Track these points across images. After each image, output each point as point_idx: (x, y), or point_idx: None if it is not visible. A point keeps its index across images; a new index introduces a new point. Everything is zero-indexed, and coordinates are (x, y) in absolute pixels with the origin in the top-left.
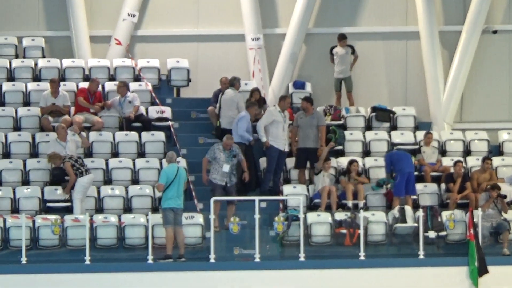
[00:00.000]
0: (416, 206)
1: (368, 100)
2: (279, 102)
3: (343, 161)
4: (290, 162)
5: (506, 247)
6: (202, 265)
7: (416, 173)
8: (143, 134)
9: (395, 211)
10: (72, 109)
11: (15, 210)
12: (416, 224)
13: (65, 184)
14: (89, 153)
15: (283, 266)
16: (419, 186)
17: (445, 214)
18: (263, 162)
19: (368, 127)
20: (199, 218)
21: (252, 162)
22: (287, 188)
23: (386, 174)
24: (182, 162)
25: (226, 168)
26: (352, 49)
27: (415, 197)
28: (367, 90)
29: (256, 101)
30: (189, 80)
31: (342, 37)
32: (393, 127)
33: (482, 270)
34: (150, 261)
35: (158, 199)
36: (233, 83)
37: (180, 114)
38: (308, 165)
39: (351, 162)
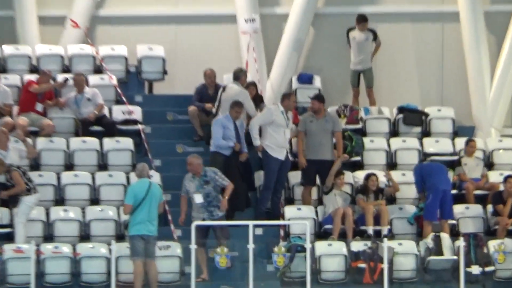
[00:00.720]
0: (455, 233)
1: (394, 98)
2: (282, 100)
3: (361, 176)
4: (294, 177)
5: None
6: None
7: (454, 191)
8: (106, 140)
9: (429, 240)
10: (15, 109)
11: None
12: (455, 257)
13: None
14: (36, 165)
15: None
16: (458, 208)
17: (492, 244)
18: (259, 177)
19: (394, 132)
20: (177, 249)
21: (237, 174)
22: (290, 210)
23: (419, 194)
24: (156, 177)
25: (198, 199)
26: (373, 34)
27: (453, 221)
28: (393, 85)
29: (251, 99)
30: (164, 73)
31: (361, 19)
32: (426, 133)
33: None
34: None
35: (124, 224)
36: (238, 76)
37: (153, 116)
38: (318, 181)
39: (368, 176)
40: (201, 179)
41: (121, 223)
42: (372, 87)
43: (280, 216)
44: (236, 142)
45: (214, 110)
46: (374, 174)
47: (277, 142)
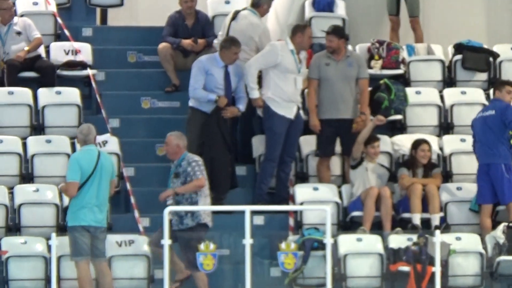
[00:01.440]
0: None
1: (448, 33)
2: (293, 35)
3: (404, 142)
4: (308, 143)
5: None
6: None
7: None
8: (42, 91)
9: (498, 233)
10: None
11: None
12: None
13: None
14: None
15: None
16: None
17: None
18: (260, 143)
19: (450, 81)
20: (143, 245)
21: (219, 141)
22: (302, 191)
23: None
24: (112, 143)
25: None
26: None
27: None
28: (447, 14)
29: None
30: None
31: None
32: (494, 81)
33: None
34: None
35: (64, 211)
36: (258, 2)
37: (108, 57)
38: (339, 150)
39: (418, 144)
40: (173, 169)
41: (63, 209)
42: (418, 16)
43: (289, 198)
44: (221, 95)
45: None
46: (425, 141)
47: (284, 94)
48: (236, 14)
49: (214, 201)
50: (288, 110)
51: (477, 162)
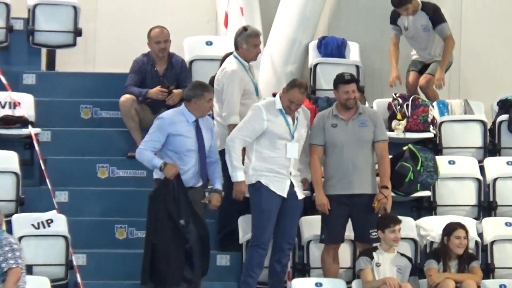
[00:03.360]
0: None
1: (491, 87)
2: (286, 90)
3: (433, 226)
4: (309, 226)
5: None
6: None
7: None
8: None
9: None
10: None
11: None
12: None
13: None
14: None
15: None
16: None
17: None
18: (246, 224)
19: (493, 148)
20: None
21: (188, 211)
22: (302, 286)
23: None
24: (58, 223)
25: None
26: (430, 17)
27: None
28: (490, 66)
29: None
30: (77, 33)
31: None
32: None
33: None
34: None
35: None
36: (235, 43)
37: (56, 112)
38: (351, 235)
39: (452, 229)
40: None
41: None
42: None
43: None
44: (168, 163)
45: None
46: (462, 226)
47: (272, 166)
48: (223, 60)
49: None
50: (279, 185)
51: None
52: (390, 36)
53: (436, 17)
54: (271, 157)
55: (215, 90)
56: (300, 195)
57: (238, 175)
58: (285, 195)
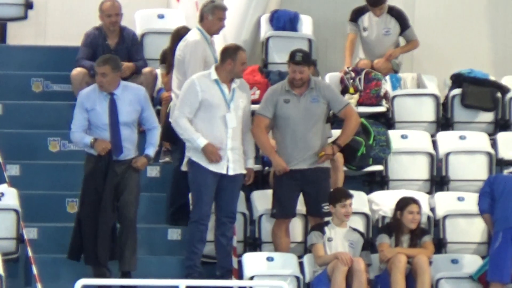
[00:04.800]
0: None
1: (446, 61)
2: (222, 61)
3: (385, 201)
4: (260, 200)
5: None
6: None
7: None
8: None
9: None
10: None
11: None
12: None
13: None
14: None
15: None
16: None
17: None
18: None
19: (445, 122)
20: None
21: (105, 197)
22: (252, 262)
23: (482, 216)
24: (9, 196)
25: None
26: (399, 20)
27: None
28: (444, 40)
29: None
30: (28, 6)
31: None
32: (503, 123)
33: None
34: None
35: None
36: (201, 14)
37: (7, 85)
38: (302, 210)
39: (404, 204)
40: None
41: None
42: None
43: (232, 272)
44: (98, 138)
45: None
46: (414, 201)
47: (211, 136)
48: (181, 33)
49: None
50: (219, 164)
51: (493, 228)
52: (343, 10)
53: (405, 21)
54: (207, 131)
55: (176, 61)
56: (234, 170)
57: (199, 141)
58: (222, 171)
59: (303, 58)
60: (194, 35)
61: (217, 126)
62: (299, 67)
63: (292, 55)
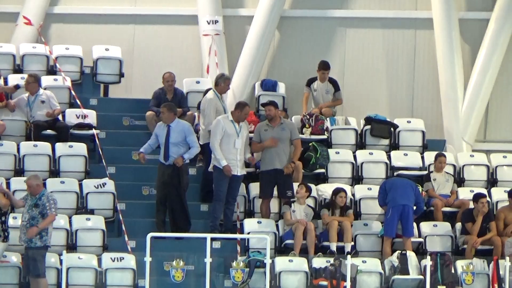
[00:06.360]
0: (422, 252)
1: (362, 109)
2: (234, 110)
3: (326, 189)
4: (254, 188)
5: None
6: None
7: (424, 208)
8: (58, 145)
9: (394, 258)
10: None
11: None
12: (421, 277)
13: None
14: None
15: None
16: (426, 226)
17: (460, 264)
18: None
19: (361, 144)
20: (131, 261)
21: (169, 186)
22: (249, 223)
23: (381, 208)
24: (109, 185)
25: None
26: (334, 86)
27: (419, 239)
28: (361, 95)
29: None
30: (121, 75)
31: (322, 66)
32: (394, 146)
33: None
34: None
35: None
36: (216, 81)
37: (109, 120)
38: (277, 193)
39: (337, 192)
40: (33, 200)
41: (72, 233)
42: (339, 98)
43: (236, 229)
44: (140, 153)
45: (197, 118)
46: (342, 189)
47: (226, 155)
48: (206, 92)
49: (182, 231)
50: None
51: (387, 209)
52: (303, 80)
53: (337, 86)
54: (225, 150)
55: (201, 109)
56: (239, 172)
57: (222, 162)
58: (234, 173)
59: (269, 101)
60: (210, 95)
61: (229, 145)
62: (267, 107)
63: (264, 102)
